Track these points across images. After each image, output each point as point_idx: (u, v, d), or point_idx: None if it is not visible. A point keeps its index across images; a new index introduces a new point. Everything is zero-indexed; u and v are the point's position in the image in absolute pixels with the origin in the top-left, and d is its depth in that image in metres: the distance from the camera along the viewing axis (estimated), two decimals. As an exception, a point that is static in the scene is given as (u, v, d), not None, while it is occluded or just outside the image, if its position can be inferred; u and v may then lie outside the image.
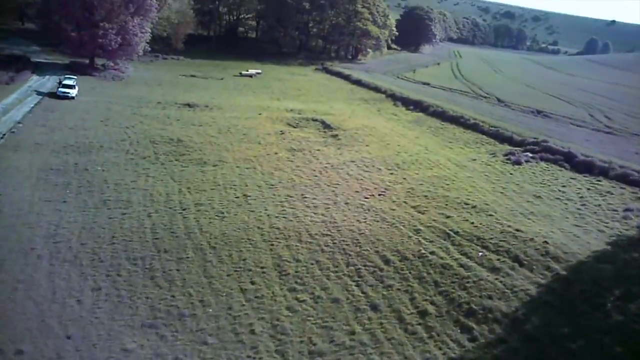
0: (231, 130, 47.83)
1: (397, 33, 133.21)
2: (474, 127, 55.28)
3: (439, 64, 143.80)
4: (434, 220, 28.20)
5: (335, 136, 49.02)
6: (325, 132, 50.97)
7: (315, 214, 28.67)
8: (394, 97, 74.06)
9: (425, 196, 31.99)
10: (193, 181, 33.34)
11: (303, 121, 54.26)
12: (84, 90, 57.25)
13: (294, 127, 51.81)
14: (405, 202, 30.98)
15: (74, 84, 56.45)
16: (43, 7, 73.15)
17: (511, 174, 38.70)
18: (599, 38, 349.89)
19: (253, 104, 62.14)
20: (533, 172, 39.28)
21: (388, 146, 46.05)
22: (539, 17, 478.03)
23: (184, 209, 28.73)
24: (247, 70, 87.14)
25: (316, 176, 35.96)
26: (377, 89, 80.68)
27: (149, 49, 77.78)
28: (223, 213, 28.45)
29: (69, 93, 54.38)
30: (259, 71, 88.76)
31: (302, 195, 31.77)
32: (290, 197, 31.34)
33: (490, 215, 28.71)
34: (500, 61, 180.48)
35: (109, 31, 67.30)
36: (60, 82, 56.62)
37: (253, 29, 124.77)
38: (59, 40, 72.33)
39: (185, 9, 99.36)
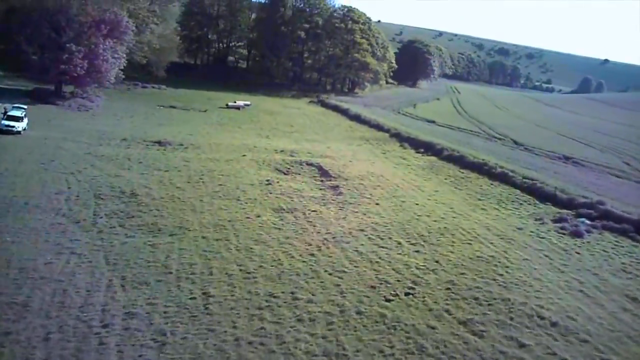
0: (205, 178, 37.61)
1: (396, 66, 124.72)
2: (503, 178, 45.48)
3: (438, 99, 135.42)
4: (501, 352, 17.63)
5: (335, 187, 38.95)
6: (322, 181, 40.95)
7: (311, 336, 18.06)
8: (399, 137, 64.55)
9: (476, 299, 21.53)
10: (135, 264, 22.80)
11: (295, 165, 44.25)
12: (37, 123, 47.38)
13: (285, 174, 41.76)
14: (447, 310, 20.49)
15: (22, 115, 46.53)
16: (3, 26, 63.41)
17: (578, 253, 28.55)
18: (592, 77, 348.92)
19: (238, 142, 52.24)
20: (604, 251, 29.23)
21: (403, 204, 35.93)
22: (533, 54, 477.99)
23: (104, 326, 18.00)
24: (235, 102, 77.44)
25: (313, 255, 25.62)
26: (379, 127, 71.13)
27: (123, 76, 67.78)
28: (165, 335, 17.73)
29: (14, 127, 44.58)
30: (248, 103, 79.14)
31: (293, 294, 21.22)
32: (274, 297, 20.79)
33: (584, 341, 18.25)
34: (499, 98, 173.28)
35: (74, 55, 57.50)
36: (4, 113, 46.29)
37: (244, 58, 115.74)
38: (21, 64, 62.41)
39: (170, 35, 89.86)
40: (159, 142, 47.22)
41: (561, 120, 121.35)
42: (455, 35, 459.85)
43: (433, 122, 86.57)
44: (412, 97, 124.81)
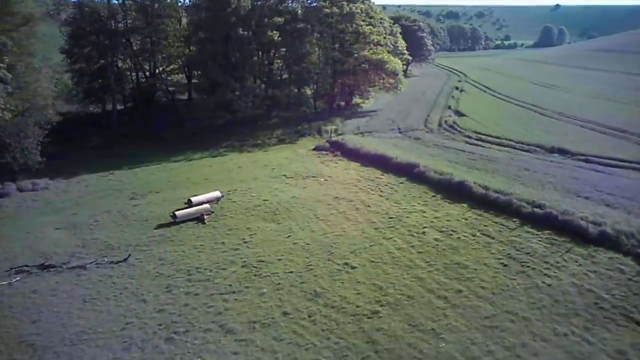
0: None
1: (410, 58, 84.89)
2: None
3: (459, 89, 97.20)
4: None
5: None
6: None
7: None
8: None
9: None
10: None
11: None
12: None
13: None
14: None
15: None
16: None
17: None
18: (549, 25, 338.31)
19: None
20: None
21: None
22: (483, 12, 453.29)
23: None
24: (189, 203, 36.20)
25: None
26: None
27: None
28: None
29: None
30: (218, 195, 37.65)
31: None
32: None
33: None
34: (499, 68, 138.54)
35: None
36: None
37: (183, 87, 73.00)
38: None
39: (41, 83, 46.75)
40: None
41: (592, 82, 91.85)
42: (399, 6, 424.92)
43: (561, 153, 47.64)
44: (431, 95, 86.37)
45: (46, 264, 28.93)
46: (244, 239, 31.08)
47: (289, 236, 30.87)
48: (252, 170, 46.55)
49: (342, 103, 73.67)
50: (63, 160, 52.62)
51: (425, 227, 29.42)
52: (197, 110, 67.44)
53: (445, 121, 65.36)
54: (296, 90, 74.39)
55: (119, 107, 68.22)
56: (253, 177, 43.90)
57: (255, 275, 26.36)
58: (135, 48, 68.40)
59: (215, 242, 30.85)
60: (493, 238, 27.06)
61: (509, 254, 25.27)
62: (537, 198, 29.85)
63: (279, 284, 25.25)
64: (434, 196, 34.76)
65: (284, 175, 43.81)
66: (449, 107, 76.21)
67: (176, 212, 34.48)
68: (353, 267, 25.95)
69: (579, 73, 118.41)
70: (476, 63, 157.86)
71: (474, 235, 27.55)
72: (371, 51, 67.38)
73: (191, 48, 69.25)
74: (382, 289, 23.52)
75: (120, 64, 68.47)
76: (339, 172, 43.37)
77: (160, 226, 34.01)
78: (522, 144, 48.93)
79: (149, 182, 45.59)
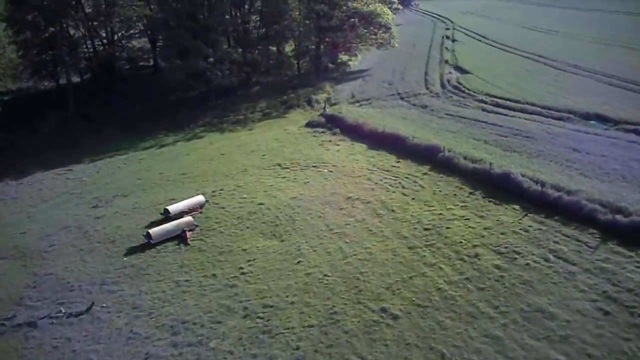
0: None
1: (400, 7, 76.45)
2: None
3: (451, 38, 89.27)
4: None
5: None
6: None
7: None
8: None
9: None
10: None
11: None
12: None
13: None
14: None
15: None
16: None
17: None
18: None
19: None
20: None
21: None
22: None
23: None
24: (166, 214, 29.67)
25: None
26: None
27: None
28: None
29: None
30: (201, 200, 30.48)
31: None
32: None
33: None
34: (485, 10, 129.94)
35: None
36: None
37: (148, 53, 63.75)
38: None
39: None
40: None
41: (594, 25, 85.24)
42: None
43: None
44: (422, 48, 78.57)
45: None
46: (241, 267, 24.01)
47: (299, 261, 23.85)
48: (238, 158, 39.00)
49: (331, 65, 65.25)
50: (10, 152, 44.14)
51: (475, 245, 22.60)
52: (165, 81, 58.45)
53: (448, 81, 57.96)
54: (277, 52, 65.55)
55: (75, 80, 58.85)
56: (241, 168, 36.43)
57: (263, 332, 19.48)
58: (87, 11, 58.64)
59: (205, 275, 23.72)
60: (574, 264, 20.42)
61: (604, 291, 18.73)
62: (613, 198, 23.10)
63: (297, 348, 18.35)
64: (472, 194, 27.83)
65: (278, 165, 36.41)
66: (447, 62, 68.60)
67: (150, 231, 26.98)
68: (394, 317, 19.19)
69: (575, 15, 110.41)
70: (457, 6, 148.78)
71: (546, 260, 20.86)
72: (362, 2, 58.67)
73: (152, 8, 59.63)
74: (446, 358, 16.74)
75: (72, 32, 58.73)
76: (343, 159, 36.07)
77: (131, 251, 26.69)
78: (550, 109, 42.01)
79: (115, 180, 37.88)
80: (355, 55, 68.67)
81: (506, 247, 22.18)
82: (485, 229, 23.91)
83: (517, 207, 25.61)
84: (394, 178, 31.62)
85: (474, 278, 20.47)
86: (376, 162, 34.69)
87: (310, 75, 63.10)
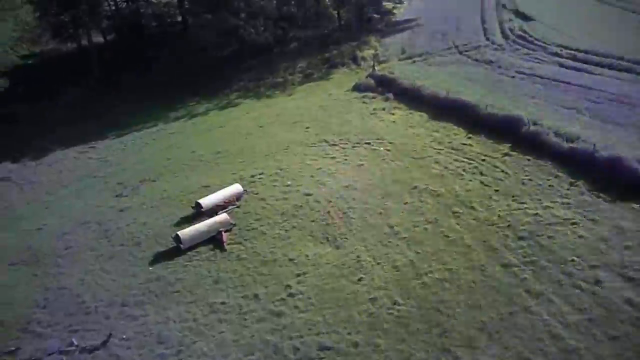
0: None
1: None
2: None
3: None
4: None
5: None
6: None
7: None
8: None
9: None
10: None
11: None
12: None
13: None
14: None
15: None
16: None
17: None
18: None
19: None
20: None
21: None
22: None
23: None
24: (197, 208, 24.72)
25: None
26: None
27: None
28: None
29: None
30: (238, 190, 25.89)
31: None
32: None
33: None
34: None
35: None
36: None
37: (174, 9, 58.30)
38: None
39: None
40: None
41: None
42: None
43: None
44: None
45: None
46: (288, 286, 19.35)
47: (360, 279, 19.05)
48: (279, 131, 33.98)
49: (375, 15, 58.27)
50: (30, 127, 40.28)
51: (594, 266, 17.29)
52: (195, 40, 53.02)
53: (511, 29, 50.55)
54: (314, 1, 58.91)
55: (99, 42, 54.11)
56: (282, 145, 31.45)
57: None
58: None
59: (245, 296, 19.23)
60: None
61: None
62: None
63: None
64: (573, 185, 22.15)
65: (325, 141, 31.19)
66: (504, 6, 60.33)
67: (180, 234, 22.43)
68: (498, 377, 14.07)
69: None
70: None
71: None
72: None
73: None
74: None
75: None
76: (402, 133, 30.58)
77: (158, 257, 22.38)
78: (646, 66, 34.90)
79: (142, 160, 33.69)
80: (401, 1, 61.33)
81: (637, 270, 16.60)
82: (601, 239, 18.31)
83: (637, 206, 19.75)
84: (467, 160, 26.04)
85: (600, 320, 15.21)
86: (442, 138, 29.06)
87: (353, 28, 56.50)
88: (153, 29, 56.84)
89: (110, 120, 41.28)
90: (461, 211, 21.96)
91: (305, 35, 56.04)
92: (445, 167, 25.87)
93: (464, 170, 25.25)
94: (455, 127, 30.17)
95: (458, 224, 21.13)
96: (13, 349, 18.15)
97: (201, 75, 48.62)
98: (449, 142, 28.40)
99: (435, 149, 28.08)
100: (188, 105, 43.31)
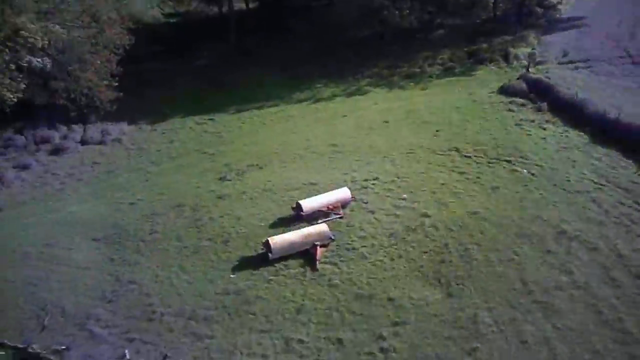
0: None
1: None
2: None
3: None
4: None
5: None
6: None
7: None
8: None
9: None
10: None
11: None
12: None
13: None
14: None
15: None
16: None
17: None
18: None
19: None
20: None
21: None
22: None
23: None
24: (298, 210, 23.28)
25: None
26: None
27: None
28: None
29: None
30: (346, 196, 22.93)
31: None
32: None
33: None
34: None
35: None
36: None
37: None
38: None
39: None
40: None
41: None
42: None
43: None
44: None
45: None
46: (381, 338, 15.59)
47: (475, 349, 14.63)
48: (404, 131, 29.93)
49: (538, 8, 50.80)
50: (156, 87, 39.85)
51: None
52: (338, 16, 49.96)
53: None
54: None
55: (240, 7, 53.16)
56: (405, 147, 27.47)
57: None
58: None
59: (327, 337, 15.94)
60: None
61: None
62: None
63: None
64: None
65: (456, 150, 26.57)
66: None
67: (271, 242, 19.43)
68: None
69: None
70: None
71: None
72: None
73: None
74: None
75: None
76: (552, 153, 25.15)
77: (242, 264, 19.72)
78: None
79: (256, 142, 31.44)
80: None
81: None
82: None
83: None
84: (638, 207, 19.95)
85: None
86: (605, 170, 23.21)
87: (509, 20, 49.78)
88: (297, 1, 54.67)
89: (233, 92, 39.74)
90: (624, 281, 16.49)
91: (454, 22, 50.62)
92: (607, 212, 20.23)
93: (631, 220, 19.42)
94: (624, 158, 23.97)
95: (618, 299, 15.81)
96: (61, 348, 16.34)
97: (336, 55, 45.44)
98: (615, 178, 22.49)
99: (595, 182, 22.38)
100: (314, 87, 40.55)
